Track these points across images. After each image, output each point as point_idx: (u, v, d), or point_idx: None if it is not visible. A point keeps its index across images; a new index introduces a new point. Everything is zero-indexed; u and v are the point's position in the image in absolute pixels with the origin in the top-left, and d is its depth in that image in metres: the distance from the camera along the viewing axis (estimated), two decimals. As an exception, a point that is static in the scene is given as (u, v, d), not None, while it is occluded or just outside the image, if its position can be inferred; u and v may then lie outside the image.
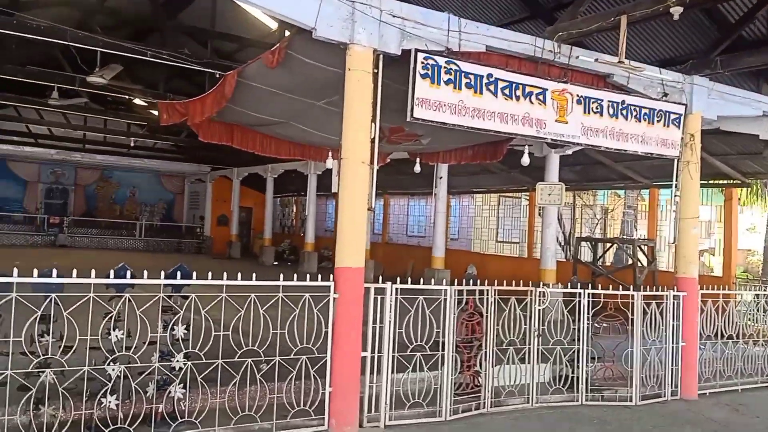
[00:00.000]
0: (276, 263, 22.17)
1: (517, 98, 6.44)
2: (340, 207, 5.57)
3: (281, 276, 5.17)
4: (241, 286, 4.96)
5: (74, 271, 4.39)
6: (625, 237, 14.75)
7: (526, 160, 8.31)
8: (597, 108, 6.81)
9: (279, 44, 6.04)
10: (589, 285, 7.01)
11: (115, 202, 26.84)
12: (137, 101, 13.72)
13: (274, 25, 11.11)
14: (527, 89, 6.48)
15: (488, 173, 16.08)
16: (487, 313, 6.32)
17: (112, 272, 4.50)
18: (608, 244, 13.14)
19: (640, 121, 7.13)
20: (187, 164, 25.34)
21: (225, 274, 4.90)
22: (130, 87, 9.21)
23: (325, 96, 7.19)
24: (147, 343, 4.67)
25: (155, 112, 13.79)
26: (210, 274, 4.92)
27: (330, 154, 9.94)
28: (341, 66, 5.58)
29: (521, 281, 6.56)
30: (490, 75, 6.19)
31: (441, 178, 14.11)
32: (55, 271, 4.29)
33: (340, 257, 5.52)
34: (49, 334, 4.41)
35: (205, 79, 10.44)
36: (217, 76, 7.68)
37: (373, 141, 5.65)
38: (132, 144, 18.23)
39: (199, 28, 10.82)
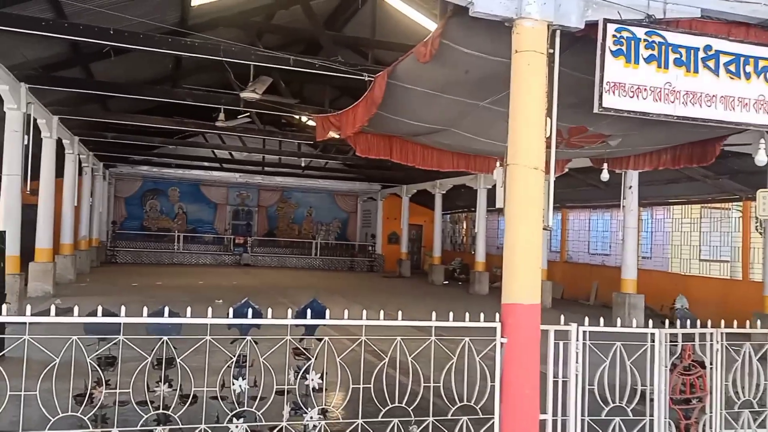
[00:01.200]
0: (446, 282, 21.17)
1: (747, 76, 4.78)
2: (508, 225, 4.37)
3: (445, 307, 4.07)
4: (383, 327, 3.95)
5: (188, 310, 3.66)
6: None
7: (763, 158, 6.37)
8: None
9: (432, 33, 5.02)
10: None
11: (293, 221, 27.62)
12: (305, 120, 13.56)
13: (433, 28, 10.15)
14: (761, 64, 4.78)
15: (688, 180, 13.67)
16: (711, 364, 4.68)
17: (231, 311, 3.71)
18: None
19: None
20: (358, 183, 25.23)
21: (365, 312, 3.93)
22: (288, 102, 8.85)
23: (490, 93, 6.03)
24: (275, 392, 3.84)
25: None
26: (346, 312, 3.99)
27: (498, 163, 8.72)
28: (507, 53, 4.41)
29: (735, 309, 4.77)
30: (708, 47, 4.63)
31: (630, 188, 12.11)
32: (167, 310, 3.60)
33: (509, 290, 4.31)
34: (163, 382, 3.73)
35: (366, 93, 9.76)
36: (366, 78, 6.89)
37: (548, 141, 4.38)
38: (303, 164, 18.40)
39: (359, 38, 10.22)
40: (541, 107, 4.35)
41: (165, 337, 3.60)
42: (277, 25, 8.00)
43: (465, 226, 26.17)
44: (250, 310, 3.77)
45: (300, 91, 11.12)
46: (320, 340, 4.00)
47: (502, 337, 4.20)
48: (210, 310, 3.70)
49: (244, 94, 8.10)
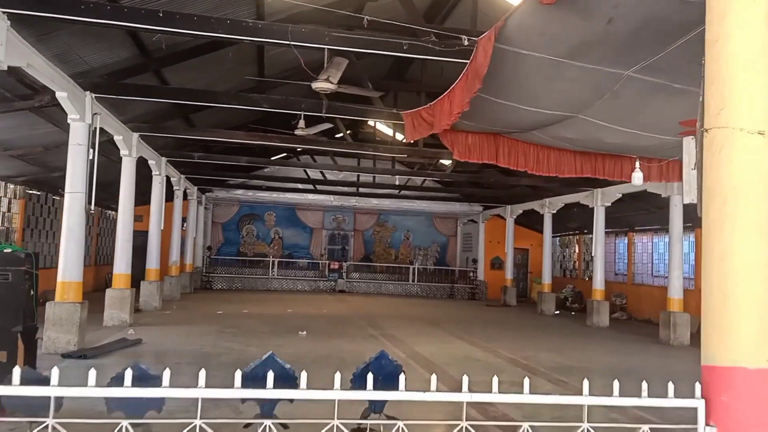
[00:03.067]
0: (557, 312, 18.93)
1: None
2: (714, 233, 2.53)
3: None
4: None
5: (166, 375, 2.15)
6: None
7: None
8: None
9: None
10: None
11: (390, 246, 26.58)
12: (392, 130, 12.18)
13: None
14: None
15: None
16: None
17: (238, 375, 2.16)
18: None
19: None
20: (458, 204, 23.93)
21: (466, 380, 2.24)
22: (370, 94, 7.41)
23: (644, 54, 4.19)
24: None
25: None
26: (434, 380, 2.32)
27: (637, 164, 6.76)
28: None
29: None
30: None
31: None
32: (131, 374, 2.10)
33: (718, 344, 2.48)
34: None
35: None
36: (466, 42, 5.25)
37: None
38: (398, 182, 17.08)
39: (460, 29, 8.62)
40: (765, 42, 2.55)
41: (125, 422, 2.07)
42: (369, 18, 6.71)
43: (577, 250, 23.67)
44: (271, 374, 2.16)
45: (390, 103, 9.73)
46: (392, 421, 2.34)
47: (708, 423, 2.37)
48: (202, 374, 2.14)
49: (317, 85, 6.77)
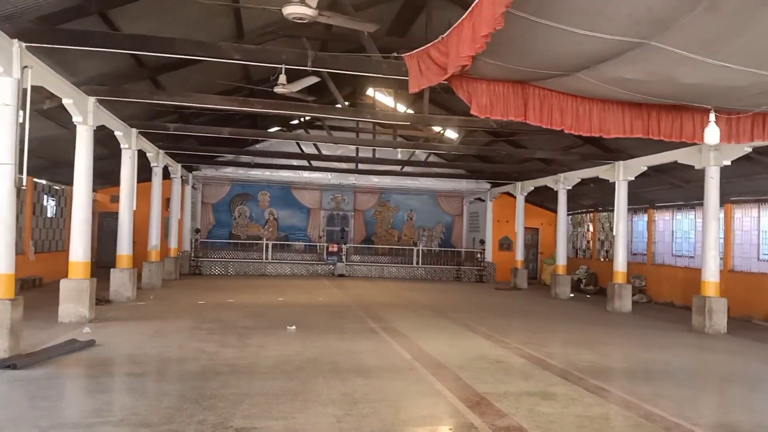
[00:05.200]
0: (572, 295, 17.87)
1: None
2: None
3: None
4: None
5: None
6: None
7: None
8: None
9: None
10: None
11: (393, 227, 25.63)
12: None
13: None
14: None
15: None
16: None
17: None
18: None
19: None
20: (465, 182, 23.02)
21: None
22: (358, 24, 5.76)
23: None
24: None
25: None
26: None
27: (711, 117, 5.17)
28: None
29: None
30: None
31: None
32: None
33: None
34: None
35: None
36: None
37: None
38: (400, 156, 15.71)
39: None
40: None
41: None
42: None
43: (591, 229, 22.26)
44: None
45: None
46: None
47: None
48: None
49: (290, 10, 5.03)
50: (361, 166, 20.47)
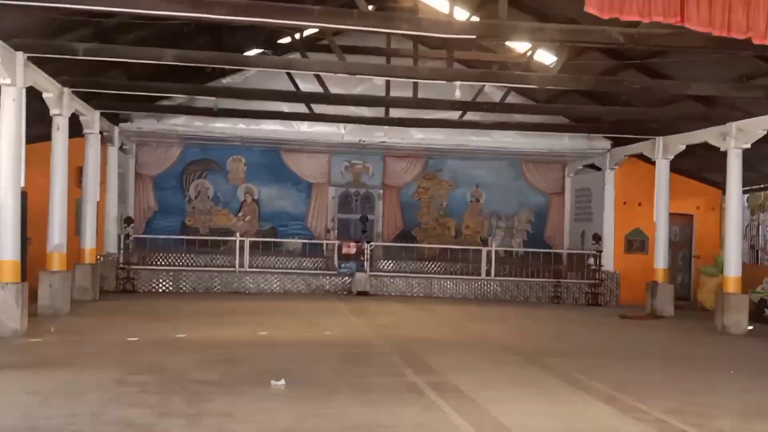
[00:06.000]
0: (750, 328, 17.58)
1: None
2: None
3: None
4: None
5: None
6: None
7: None
8: None
9: None
10: None
11: (447, 213, 26.02)
12: None
13: None
14: None
15: None
16: None
17: None
18: None
19: None
20: (567, 137, 23.21)
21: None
22: None
23: None
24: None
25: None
26: None
27: None
28: None
29: None
30: None
31: None
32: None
33: None
34: None
35: None
36: None
37: None
38: (458, 95, 15.45)
39: None
40: None
41: None
42: None
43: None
44: None
45: None
46: None
47: None
48: None
49: None
50: (394, 113, 20.35)
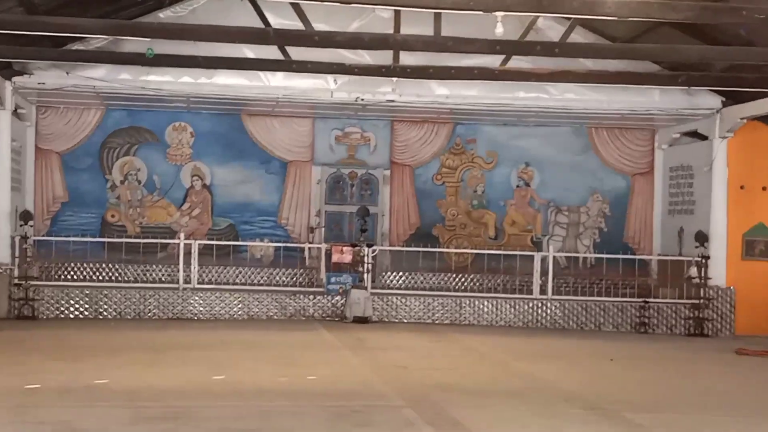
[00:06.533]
0: None
1: None
2: None
3: None
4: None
5: None
6: None
7: None
8: None
9: None
10: None
11: (483, 204, 26.38)
12: None
13: None
14: None
15: None
16: None
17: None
18: None
19: None
20: (657, 92, 23.46)
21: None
22: None
23: None
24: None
25: None
26: None
27: None
28: None
29: None
30: None
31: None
32: None
33: None
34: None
35: None
36: None
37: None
38: (499, 31, 15.52)
39: None
40: None
41: None
42: None
43: None
44: None
45: None
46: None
47: None
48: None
49: None
50: (406, 59, 20.49)
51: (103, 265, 22.81)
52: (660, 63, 22.17)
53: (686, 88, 22.42)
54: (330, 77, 21.75)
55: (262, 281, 23.22)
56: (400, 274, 23.72)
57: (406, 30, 19.16)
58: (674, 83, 22.17)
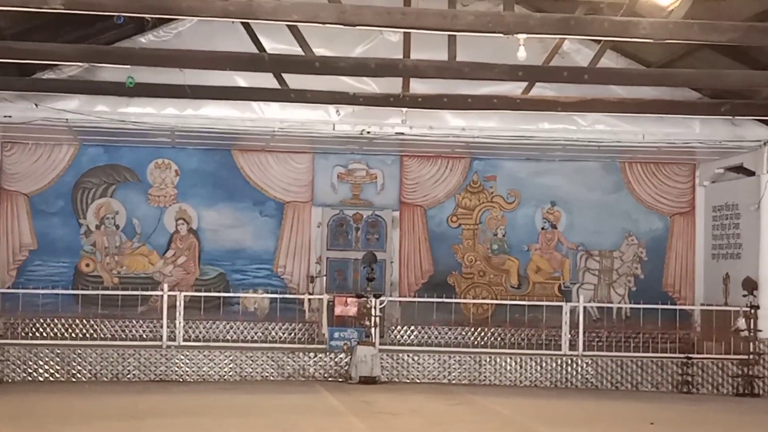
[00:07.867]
0: None
1: None
2: None
3: None
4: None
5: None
6: None
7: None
8: None
9: None
10: None
11: (504, 249, 26.44)
12: None
13: None
14: None
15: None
16: None
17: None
18: None
19: None
20: (697, 122, 23.30)
21: None
22: None
23: None
24: None
25: None
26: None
27: None
28: None
29: None
30: None
31: None
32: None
33: None
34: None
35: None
36: None
37: None
38: (522, 55, 15.51)
39: None
40: None
41: None
42: None
43: None
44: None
45: None
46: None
47: None
48: None
49: None
50: (417, 87, 20.50)
51: (77, 321, 22.81)
52: (700, 90, 22.23)
53: (730, 117, 22.44)
54: (332, 108, 21.73)
55: (256, 337, 23.26)
56: (412, 328, 23.75)
57: (416, 55, 19.10)
58: (716, 112, 22.19)
